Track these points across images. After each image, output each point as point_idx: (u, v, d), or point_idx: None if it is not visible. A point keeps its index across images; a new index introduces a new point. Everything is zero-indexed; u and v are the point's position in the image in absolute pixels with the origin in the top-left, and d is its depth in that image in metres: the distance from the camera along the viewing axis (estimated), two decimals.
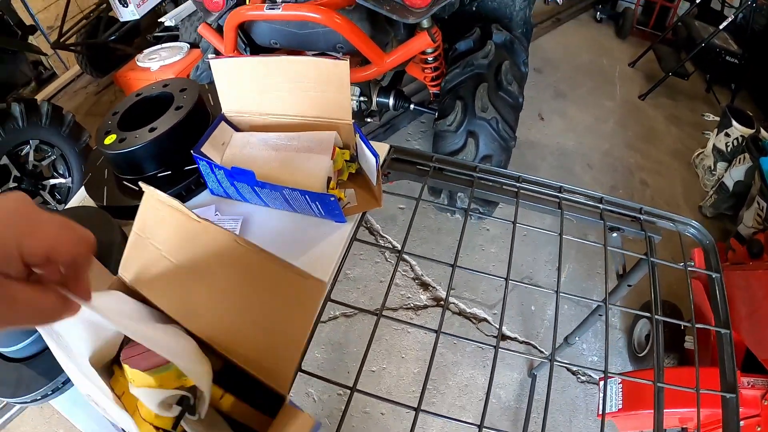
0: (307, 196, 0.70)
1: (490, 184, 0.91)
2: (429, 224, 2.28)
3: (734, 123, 2.26)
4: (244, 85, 0.82)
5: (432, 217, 2.31)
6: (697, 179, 2.56)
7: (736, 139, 2.27)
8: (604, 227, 0.88)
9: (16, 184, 1.90)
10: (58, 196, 2.11)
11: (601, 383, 1.32)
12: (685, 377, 1.18)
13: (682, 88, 3.17)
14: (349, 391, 0.64)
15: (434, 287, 2.07)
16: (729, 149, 2.30)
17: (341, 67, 0.69)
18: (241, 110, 0.86)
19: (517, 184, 0.91)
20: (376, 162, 0.71)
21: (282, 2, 1.46)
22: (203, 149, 0.82)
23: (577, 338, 1.37)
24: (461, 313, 1.99)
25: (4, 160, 1.82)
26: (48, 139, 1.96)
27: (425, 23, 1.64)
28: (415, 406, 0.63)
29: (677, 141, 2.84)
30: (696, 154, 2.62)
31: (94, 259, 0.61)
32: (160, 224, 0.56)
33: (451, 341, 1.87)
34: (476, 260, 2.16)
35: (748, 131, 2.23)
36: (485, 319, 1.97)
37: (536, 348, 1.89)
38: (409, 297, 2.04)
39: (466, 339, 0.71)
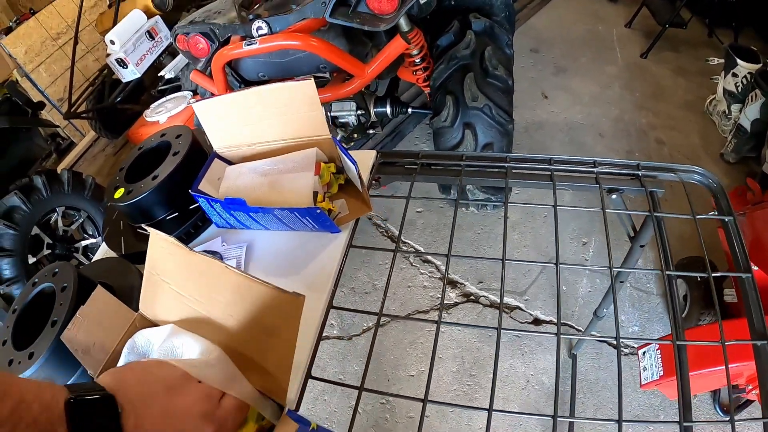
0: (296, 213, 0.73)
1: (479, 170, 0.92)
2: (448, 222, 2.28)
3: (739, 61, 2.18)
4: (227, 120, 0.87)
5: (450, 215, 2.31)
6: (714, 127, 2.47)
7: (745, 77, 2.18)
8: (600, 191, 0.87)
9: (50, 251, 2.02)
10: (92, 256, 2.22)
11: (641, 351, 1.29)
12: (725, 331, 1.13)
13: (683, 37, 3.08)
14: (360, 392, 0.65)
15: (462, 283, 2.06)
16: (739, 89, 2.22)
17: (308, 86, 0.72)
18: (230, 144, 0.91)
19: (506, 165, 0.91)
20: (356, 168, 0.73)
21: (259, 37, 1.51)
22: (201, 187, 0.87)
23: (605, 310, 1.35)
24: (492, 305, 1.97)
25: (35, 230, 1.94)
26: (73, 204, 2.08)
27: (405, 26, 1.65)
28: (441, 400, 0.64)
29: (687, 92, 2.75)
30: (708, 101, 2.54)
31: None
32: (166, 260, 0.60)
33: (486, 334, 1.86)
34: (499, 250, 2.14)
35: (755, 67, 2.15)
36: (518, 307, 1.95)
37: (573, 327, 1.85)
38: (438, 297, 2.04)
39: (470, 325, 0.72)
